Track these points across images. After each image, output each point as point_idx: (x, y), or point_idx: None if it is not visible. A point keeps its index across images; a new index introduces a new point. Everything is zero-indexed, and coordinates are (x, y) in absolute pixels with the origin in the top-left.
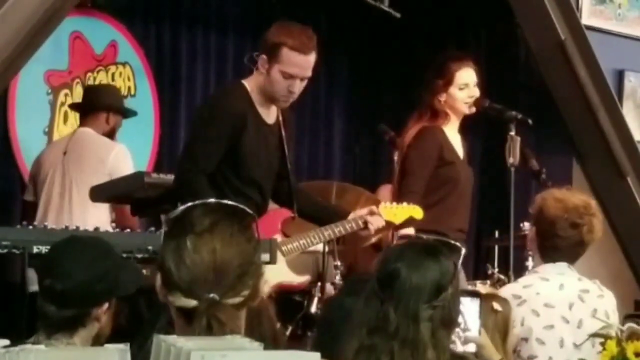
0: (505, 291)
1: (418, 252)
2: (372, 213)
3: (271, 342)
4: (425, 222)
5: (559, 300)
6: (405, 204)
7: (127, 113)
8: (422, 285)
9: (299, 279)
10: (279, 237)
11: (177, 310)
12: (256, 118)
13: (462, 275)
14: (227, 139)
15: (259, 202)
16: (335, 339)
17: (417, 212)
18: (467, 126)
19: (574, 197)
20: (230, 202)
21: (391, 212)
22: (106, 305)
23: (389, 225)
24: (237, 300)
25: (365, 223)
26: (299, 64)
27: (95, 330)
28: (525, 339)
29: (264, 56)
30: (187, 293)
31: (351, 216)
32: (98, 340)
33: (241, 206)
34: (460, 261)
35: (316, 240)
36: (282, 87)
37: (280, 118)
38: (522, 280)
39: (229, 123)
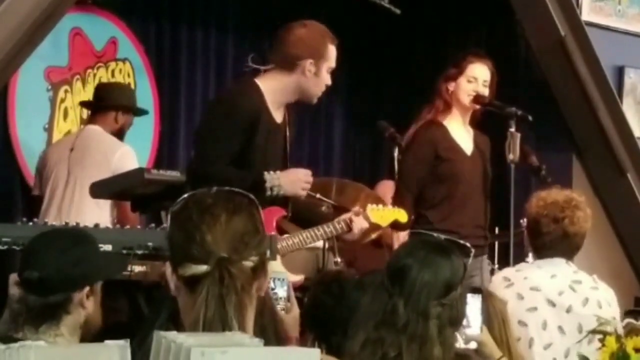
0: (499, 274)
1: (430, 249)
2: (356, 214)
3: (273, 335)
4: (435, 221)
5: (547, 285)
6: (390, 206)
7: (137, 112)
8: (433, 282)
9: (294, 278)
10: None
11: (186, 283)
12: (268, 117)
13: (486, 275)
14: (239, 137)
15: (260, 202)
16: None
17: (402, 216)
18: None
19: (556, 194)
20: (230, 188)
21: (378, 215)
22: (87, 289)
23: (375, 227)
24: (245, 263)
25: (349, 225)
26: (335, 55)
27: (82, 317)
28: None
29: (311, 61)
30: (198, 260)
31: (336, 219)
32: (88, 330)
33: (242, 191)
34: (470, 259)
35: (309, 239)
36: (324, 84)
37: (287, 118)
38: (518, 266)
39: (243, 121)
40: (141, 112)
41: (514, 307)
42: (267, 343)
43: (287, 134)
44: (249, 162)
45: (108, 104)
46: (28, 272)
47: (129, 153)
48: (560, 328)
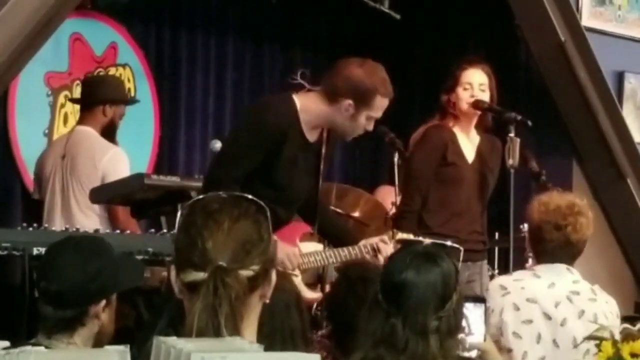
0: (496, 281)
1: (421, 261)
2: (383, 242)
3: (301, 337)
4: (434, 226)
5: (544, 297)
6: (419, 237)
7: (126, 102)
8: (429, 298)
9: (313, 295)
10: (296, 251)
11: (187, 288)
12: (299, 135)
13: (485, 281)
14: (265, 152)
15: (283, 217)
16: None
17: None
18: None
19: (558, 198)
20: (240, 194)
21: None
22: (103, 302)
23: None
24: (245, 272)
25: (375, 251)
26: (384, 107)
27: (97, 327)
28: (503, 331)
29: (351, 102)
30: (197, 266)
31: (362, 242)
32: (100, 339)
33: (251, 197)
34: (461, 261)
35: (332, 259)
36: (361, 129)
37: (325, 135)
38: (516, 274)
39: (271, 137)
40: (131, 102)
41: (510, 318)
42: (295, 345)
43: (323, 151)
44: (269, 178)
45: (93, 100)
46: (45, 283)
47: (118, 155)
48: (554, 342)
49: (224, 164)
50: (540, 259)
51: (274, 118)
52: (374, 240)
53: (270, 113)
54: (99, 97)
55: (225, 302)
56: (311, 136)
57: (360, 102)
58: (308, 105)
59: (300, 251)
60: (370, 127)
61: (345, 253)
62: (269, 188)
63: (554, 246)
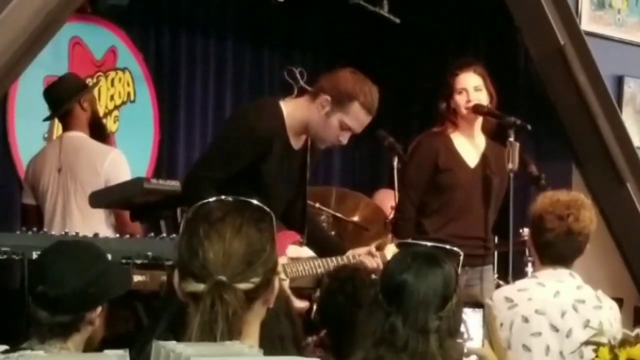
0: (500, 293)
1: (422, 262)
2: (369, 254)
3: (291, 342)
4: (430, 230)
5: (551, 307)
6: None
7: (91, 85)
8: (430, 297)
9: (301, 305)
10: (284, 259)
11: (190, 297)
12: (284, 142)
13: (488, 286)
14: (249, 159)
15: None
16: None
17: None
18: None
19: (563, 194)
20: (246, 199)
21: None
22: (100, 308)
23: None
24: (245, 286)
25: (363, 264)
26: (362, 121)
27: (88, 333)
28: (512, 344)
29: (328, 98)
30: (198, 278)
31: (350, 252)
32: (91, 344)
33: (258, 203)
34: (460, 265)
35: (320, 269)
36: (333, 135)
37: (309, 144)
38: (519, 284)
39: (256, 144)
40: (95, 84)
41: (519, 330)
42: (285, 351)
43: (308, 160)
44: (254, 184)
45: (66, 101)
46: (42, 288)
47: (118, 158)
48: (561, 353)
49: (206, 165)
50: (542, 253)
51: (263, 125)
52: (361, 250)
53: (260, 120)
54: (69, 95)
55: (222, 319)
56: (296, 143)
57: (337, 101)
58: (292, 110)
59: (288, 261)
60: (345, 139)
61: (333, 263)
62: (253, 193)
63: (555, 235)
